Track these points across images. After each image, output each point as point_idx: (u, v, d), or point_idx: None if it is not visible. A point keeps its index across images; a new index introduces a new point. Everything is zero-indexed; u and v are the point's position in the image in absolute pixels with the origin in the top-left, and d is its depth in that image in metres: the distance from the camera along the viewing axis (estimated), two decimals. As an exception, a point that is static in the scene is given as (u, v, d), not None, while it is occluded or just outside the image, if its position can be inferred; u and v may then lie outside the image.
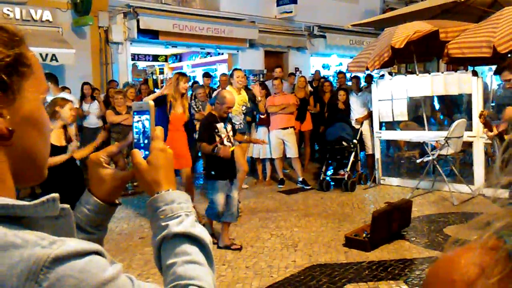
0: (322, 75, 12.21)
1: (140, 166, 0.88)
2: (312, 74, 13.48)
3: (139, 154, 0.90)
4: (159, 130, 0.91)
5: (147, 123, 0.92)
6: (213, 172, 4.73)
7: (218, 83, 10.99)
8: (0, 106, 0.65)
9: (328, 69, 15.03)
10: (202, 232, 0.84)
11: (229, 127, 4.89)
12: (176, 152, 5.37)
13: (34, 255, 0.56)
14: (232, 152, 4.80)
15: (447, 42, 6.80)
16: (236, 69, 6.88)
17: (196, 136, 5.89)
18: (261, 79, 10.94)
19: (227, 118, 4.90)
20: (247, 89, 7.37)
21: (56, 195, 0.64)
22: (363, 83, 9.57)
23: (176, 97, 5.51)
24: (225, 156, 4.60)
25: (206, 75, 9.94)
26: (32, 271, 0.55)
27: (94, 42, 10.27)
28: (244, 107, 6.51)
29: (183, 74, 5.84)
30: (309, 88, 9.51)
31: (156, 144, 0.90)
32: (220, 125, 4.79)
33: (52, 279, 0.55)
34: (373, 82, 8.17)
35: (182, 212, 0.85)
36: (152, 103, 0.95)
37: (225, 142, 4.79)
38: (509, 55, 6.19)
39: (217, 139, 4.75)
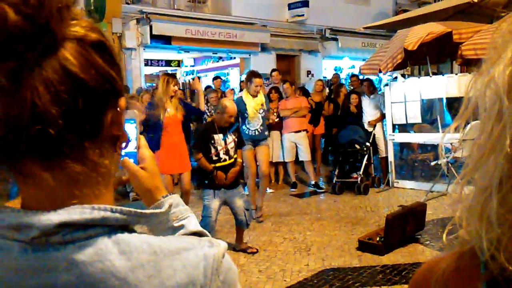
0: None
1: (139, 174, 0.90)
2: (325, 78, 13.45)
3: (131, 162, 0.91)
4: (143, 139, 0.94)
5: (131, 131, 0.92)
6: (206, 181, 4.59)
7: (229, 87, 11.05)
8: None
9: (341, 72, 14.97)
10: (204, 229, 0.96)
11: (229, 138, 4.64)
12: (180, 155, 5.18)
13: (210, 254, 0.63)
14: (230, 164, 4.63)
15: (461, 43, 6.74)
16: (256, 75, 6.12)
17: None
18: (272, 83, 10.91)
19: (229, 129, 4.66)
20: None
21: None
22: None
23: (164, 100, 5.15)
24: (219, 182, 4.50)
25: (215, 78, 9.98)
26: (214, 268, 0.62)
27: (107, 48, 10.39)
28: (262, 111, 6.11)
29: (172, 76, 5.52)
30: (326, 92, 9.48)
31: (146, 151, 0.93)
32: (218, 136, 4.58)
33: (223, 272, 0.63)
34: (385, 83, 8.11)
35: (189, 213, 0.92)
36: (136, 111, 0.95)
37: (221, 154, 4.60)
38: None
39: (213, 150, 4.57)
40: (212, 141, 4.58)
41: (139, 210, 0.62)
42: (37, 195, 0.57)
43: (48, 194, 0.57)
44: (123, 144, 0.66)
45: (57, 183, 0.57)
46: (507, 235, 0.45)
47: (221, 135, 4.60)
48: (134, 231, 0.62)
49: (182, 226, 0.90)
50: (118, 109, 0.62)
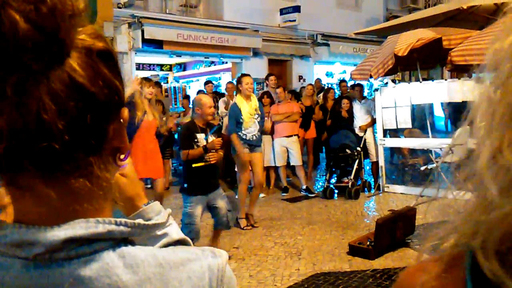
0: (324, 83, 12.22)
1: (120, 181, 0.89)
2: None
3: None
4: None
5: None
6: (185, 185, 4.46)
7: (221, 92, 11.06)
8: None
9: (332, 77, 15.05)
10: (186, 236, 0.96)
11: (210, 139, 4.55)
12: (154, 162, 5.16)
13: (214, 264, 0.63)
14: (211, 165, 4.51)
15: (451, 49, 6.81)
16: (244, 74, 6.19)
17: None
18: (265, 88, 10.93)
19: (211, 129, 4.62)
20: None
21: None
22: (366, 91, 9.61)
23: (139, 103, 5.01)
24: (215, 147, 4.43)
25: (207, 82, 10.00)
26: (219, 278, 0.62)
27: (99, 52, 10.35)
28: (257, 116, 5.93)
29: (147, 79, 5.44)
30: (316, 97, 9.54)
31: None
32: (200, 136, 4.53)
33: (226, 282, 0.63)
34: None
35: (171, 221, 0.91)
36: None
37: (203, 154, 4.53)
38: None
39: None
40: (195, 140, 4.52)
41: (142, 222, 0.60)
42: (36, 209, 0.54)
43: (48, 208, 0.54)
44: (122, 156, 0.62)
45: (58, 197, 0.54)
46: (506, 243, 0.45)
47: (203, 135, 4.55)
48: (134, 243, 0.60)
49: (165, 234, 0.87)
50: (121, 120, 0.60)
